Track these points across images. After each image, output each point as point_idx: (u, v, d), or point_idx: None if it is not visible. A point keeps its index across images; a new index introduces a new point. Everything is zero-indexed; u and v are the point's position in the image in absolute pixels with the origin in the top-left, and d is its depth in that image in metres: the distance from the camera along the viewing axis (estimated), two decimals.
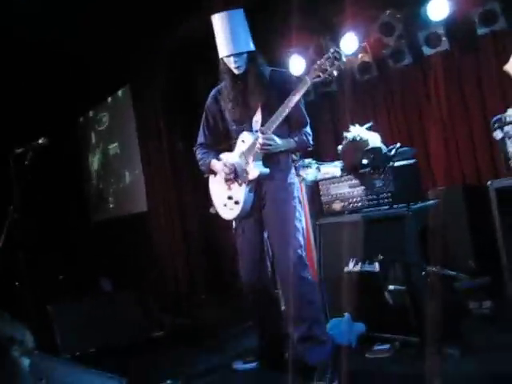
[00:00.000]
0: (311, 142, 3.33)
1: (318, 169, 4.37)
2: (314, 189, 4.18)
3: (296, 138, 3.25)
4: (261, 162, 3.19)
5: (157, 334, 4.70)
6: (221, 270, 6.25)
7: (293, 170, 3.37)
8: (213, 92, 3.44)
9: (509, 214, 3.03)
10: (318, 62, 2.99)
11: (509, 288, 3.30)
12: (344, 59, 2.95)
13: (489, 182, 3.27)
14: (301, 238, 3.20)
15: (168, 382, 3.46)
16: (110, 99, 7.97)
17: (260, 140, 3.06)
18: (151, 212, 7.09)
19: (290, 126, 3.27)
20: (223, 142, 3.49)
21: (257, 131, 3.17)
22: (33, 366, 1.32)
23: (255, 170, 3.17)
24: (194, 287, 6.50)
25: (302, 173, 4.34)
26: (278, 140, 3.13)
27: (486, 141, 4.47)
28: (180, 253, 6.65)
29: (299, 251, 3.16)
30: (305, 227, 3.30)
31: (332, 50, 2.97)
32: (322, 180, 4.07)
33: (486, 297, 3.64)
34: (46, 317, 4.56)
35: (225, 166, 3.29)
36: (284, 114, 3.04)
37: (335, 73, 2.96)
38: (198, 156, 3.50)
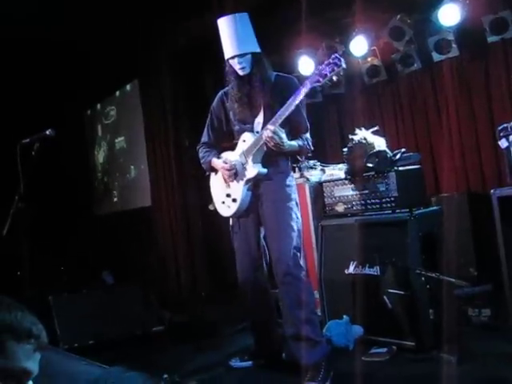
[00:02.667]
0: (311, 148, 3.38)
1: (323, 170, 4.38)
2: (317, 190, 4.18)
3: (300, 142, 3.28)
4: (260, 163, 3.25)
5: (156, 328, 4.71)
6: (223, 266, 6.25)
7: (291, 173, 3.41)
8: (219, 93, 3.49)
9: (510, 222, 3.03)
10: (319, 68, 3.04)
11: (509, 296, 3.30)
12: (344, 65, 2.99)
13: (492, 191, 3.28)
14: (297, 239, 3.23)
15: (164, 376, 3.47)
16: (118, 93, 7.99)
17: (268, 132, 3.07)
18: (155, 207, 7.11)
19: (290, 131, 3.29)
20: (226, 142, 3.54)
21: (258, 132, 3.23)
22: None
23: (254, 169, 3.23)
24: (195, 283, 6.52)
25: (306, 174, 4.35)
26: (285, 137, 3.13)
27: (492, 149, 4.46)
28: (182, 249, 6.66)
29: (295, 252, 3.19)
30: (301, 229, 3.32)
31: (333, 56, 3.01)
32: (325, 182, 4.08)
33: (486, 304, 3.64)
34: (47, 307, 4.58)
35: (225, 163, 3.35)
36: (283, 116, 3.08)
37: (335, 78, 3.03)
38: (201, 154, 3.57)
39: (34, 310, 1.40)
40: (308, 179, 4.34)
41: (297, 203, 3.32)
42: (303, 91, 3.03)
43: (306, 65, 5.40)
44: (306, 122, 3.34)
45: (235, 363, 3.63)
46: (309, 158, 4.49)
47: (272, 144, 3.09)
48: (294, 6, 4.74)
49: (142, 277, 5.50)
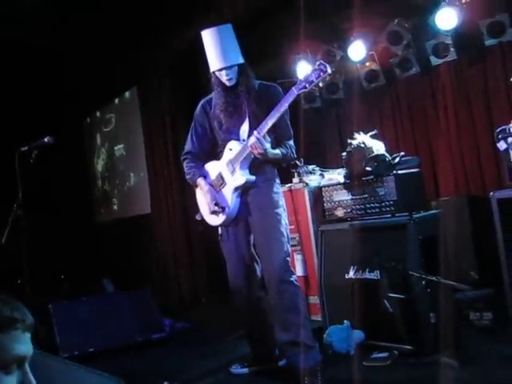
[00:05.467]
0: (295, 156, 3.43)
1: (322, 175, 4.38)
2: (317, 195, 4.18)
3: (283, 150, 3.32)
4: (247, 170, 3.27)
5: (156, 336, 4.69)
6: (223, 272, 6.24)
7: (278, 180, 3.43)
8: (201, 102, 3.54)
9: (509, 224, 3.02)
10: (305, 75, 3.10)
11: (510, 300, 3.28)
12: (329, 71, 3.05)
13: (491, 193, 3.27)
14: (286, 245, 3.26)
15: (165, 383, 3.46)
16: (117, 100, 8.01)
17: (253, 140, 3.11)
18: (155, 214, 7.10)
19: (275, 139, 3.33)
20: (210, 150, 3.55)
21: (244, 140, 3.26)
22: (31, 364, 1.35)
23: (242, 176, 3.25)
24: (195, 290, 6.50)
25: (305, 179, 4.35)
26: (269, 146, 3.18)
27: (492, 151, 4.46)
28: (182, 255, 6.65)
29: (285, 257, 3.22)
30: (289, 234, 3.35)
31: (318, 63, 3.07)
32: (325, 186, 4.07)
33: (487, 308, 3.62)
34: (47, 315, 4.56)
35: (210, 171, 3.42)
36: (270, 124, 3.11)
37: (321, 84, 3.06)
38: (186, 169, 3.58)
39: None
40: (307, 184, 4.35)
41: (284, 209, 3.36)
42: (289, 99, 3.07)
43: (303, 70, 5.40)
44: (290, 130, 3.39)
45: (235, 370, 3.62)
46: (308, 163, 4.50)
47: (256, 152, 3.14)
48: (293, 11, 4.75)
49: (142, 284, 5.48)
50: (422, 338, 3.26)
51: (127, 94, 7.70)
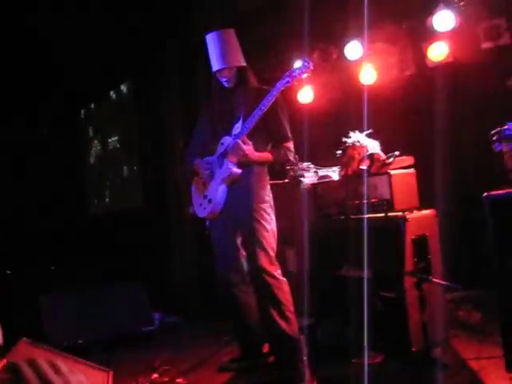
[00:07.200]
0: (290, 159, 3.49)
1: (316, 172, 4.38)
2: (310, 192, 4.18)
3: (274, 153, 3.39)
4: (235, 164, 3.33)
5: (146, 329, 4.68)
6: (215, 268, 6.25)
7: (266, 176, 3.49)
8: (205, 102, 3.72)
9: (503, 226, 3.03)
10: (290, 70, 3.30)
11: (500, 300, 3.30)
12: (311, 67, 3.27)
13: (484, 194, 3.28)
14: (271, 239, 3.32)
15: (154, 376, 3.46)
16: (112, 93, 7.98)
17: (232, 145, 3.25)
18: (148, 207, 7.09)
19: (270, 140, 3.42)
20: (211, 147, 3.61)
21: (235, 135, 3.33)
22: None
23: (228, 170, 3.32)
24: (189, 283, 6.50)
25: (299, 176, 4.35)
26: (251, 150, 3.26)
27: (486, 153, 4.48)
28: (176, 248, 6.65)
29: (268, 251, 3.27)
30: (275, 230, 3.39)
31: (302, 60, 3.33)
32: (319, 184, 4.08)
33: (477, 308, 3.65)
34: (37, 306, 4.55)
35: (203, 163, 3.48)
36: (251, 125, 3.22)
37: (303, 76, 3.31)
38: (185, 160, 3.72)
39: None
40: (301, 181, 4.34)
41: (271, 205, 3.42)
42: (274, 93, 3.22)
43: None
44: (286, 132, 3.44)
45: (227, 364, 3.63)
46: (302, 161, 4.50)
47: (237, 156, 3.26)
48: (290, 10, 4.76)
49: (133, 276, 5.47)
50: (411, 337, 3.28)
51: (123, 86, 7.68)
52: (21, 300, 4.80)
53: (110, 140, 8.12)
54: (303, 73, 3.28)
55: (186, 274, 6.56)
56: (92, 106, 8.52)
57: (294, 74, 3.25)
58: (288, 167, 4.47)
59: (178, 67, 6.44)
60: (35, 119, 6.96)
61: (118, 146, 7.96)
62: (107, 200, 8.37)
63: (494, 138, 3.03)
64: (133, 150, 7.40)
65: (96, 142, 8.49)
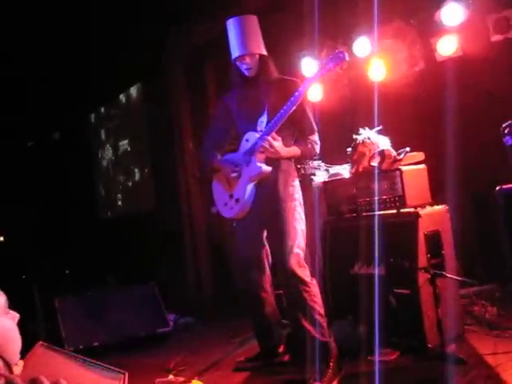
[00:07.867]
0: (317, 151, 3.37)
1: (327, 170, 4.38)
2: (322, 190, 4.17)
3: (301, 147, 3.29)
4: (263, 161, 3.22)
5: (161, 330, 4.70)
6: (228, 268, 6.26)
7: (294, 173, 3.38)
8: (223, 97, 3.54)
9: None
10: (323, 62, 3.14)
11: None
12: (347, 58, 3.08)
13: (497, 187, 3.26)
14: (300, 240, 3.20)
15: (170, 377, 3.47)
16: (122, 96, 8.02)
17: (263, 143, 3.12)
18: (159, 210, 7.12)
19: (296, 133, 3.31)
20: (229, 144, 3.54)
21: (261, 131, 3.22)
22: None
23: (257, 168, 3.20)
24: (200, 285, 6.52)
25: (310, 174, 4.34)
26: (279, 145, 3.15)
27: (498, 147, 4.44)
28: (187, 251, 6.67)
29: (298, 252, 3.16)
30: (305, 229, 3.28)
31: (336, 51, 3.12)
32: (330, 181, 4.07)
33: (492, 303, 3.62)
34: (52, 310, 4.59)
35: (227, 160, 3.37)
36: (281, 121, 3.11)
37: (338, 69, 3.10)
38: (203, 157, 3.59)
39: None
40: (312, 179, 4.34)
41: (300, 203, 3.30)
42: (303, 91, 3.09)
43: (308, 66, 5.40)
44: (312, 124, 3.33)
45: (242, 364, 3.61)
46: (313, 159, 4.48)
47: (267, 154, 3.15)
48: (298, 7, 4.75)
49: (147, 278, 5.49)
50: (426, 333, 3.26)
51: (132, 90, 7.72)
52: (37, 304, 4.84)
53: (120, 143, 8.16)
54: (337, 65, 3.10)
55: (199, 274, 6.58)
56: (102, 109, 8.57)
57: (328, 65, 3.08)
58: (299, 166, 4.46)
59: (186, 68, 6.45)
60: (46, 125, 7.02)
61: (129, 149, 8.00)
62: (120, 203, 8.41)
63: (506, 132, 2.99)
64: (143, 153, 7.43)
65: (108, 145, 8.54)
